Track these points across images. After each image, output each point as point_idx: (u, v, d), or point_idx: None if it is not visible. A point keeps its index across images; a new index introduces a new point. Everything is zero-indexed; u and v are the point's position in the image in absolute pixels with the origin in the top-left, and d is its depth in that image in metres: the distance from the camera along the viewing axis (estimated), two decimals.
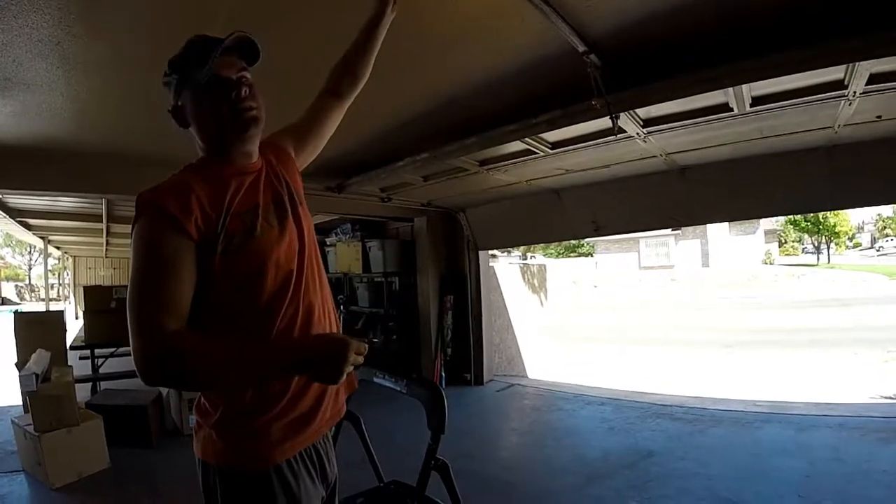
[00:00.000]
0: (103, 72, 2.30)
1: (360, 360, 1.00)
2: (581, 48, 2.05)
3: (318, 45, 1.84)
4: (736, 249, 23.94)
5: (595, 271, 13.70)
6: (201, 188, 1.05)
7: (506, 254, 18.60)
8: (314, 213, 5.58)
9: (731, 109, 2.57)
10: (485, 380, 6.10)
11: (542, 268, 9.69)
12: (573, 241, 22.30)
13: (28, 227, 7.79)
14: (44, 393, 3.60)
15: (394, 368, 5.60)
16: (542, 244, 18.26)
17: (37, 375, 3.65)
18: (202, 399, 1.14)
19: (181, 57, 1.11)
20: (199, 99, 1.10)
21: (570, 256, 26.14)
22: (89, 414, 3.85)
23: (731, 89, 2.31)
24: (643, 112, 2.76)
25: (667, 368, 8.50)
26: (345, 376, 0.98)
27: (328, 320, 1.23)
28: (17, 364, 4.65)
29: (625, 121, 2.66)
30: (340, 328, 1.36)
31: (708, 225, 19.91)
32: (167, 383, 1.02)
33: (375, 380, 1.97)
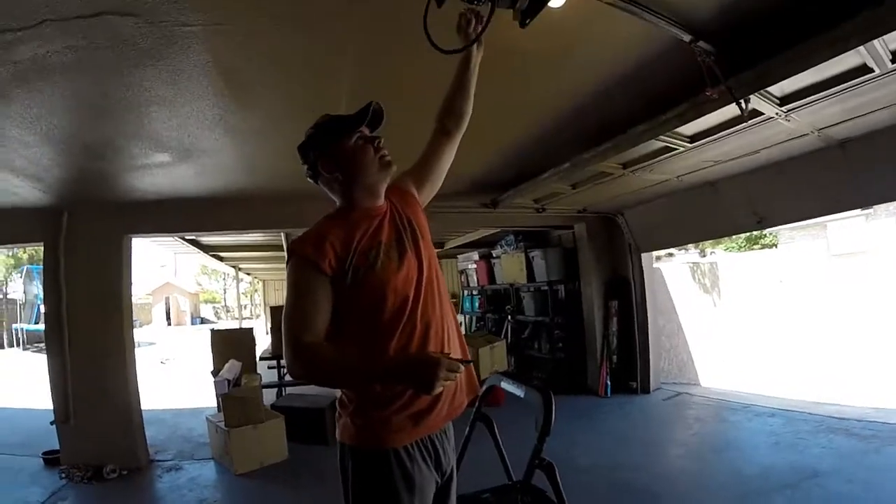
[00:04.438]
0: (259, 136, 2.92)
1: (453, 376, 1.21)
2: (687, 38, 2.02)
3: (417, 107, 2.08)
4: None
5: (779, 264, 12.07)
6: (335, 235, 1.36)
7: (683, 251, 17.46)
8: (475, 228, 6.15)
9: (872, 70, 2.28)
10: (651, 388, 5.88)
11: (714, 265, 9.06)
12: (755, 233, 19.99)
13: (220, 258, 9.29)
14: (234, 395, 4.32)
15: (559, 377, 5.65)
16: (706, 241, 16.70)
17: (229, 381, 4.40)
18: (342, 394, 1.43)
19: (324, 128, 1.44)
20: (348, 155, 1.42)
21: (752, 249, 23.52)
22: (273, 414, 4.53)
23: (862, 48, 2.04)
24: (776, 89, 2.55)
25: (856, 375, 7.33)
26: (438, 388, 1.18)
27: (446, 335, 1.45)
28: (212, 372, 5.62)
29: (758, 102, 2.49)
30: (463, 341, 1.56)
31: None
32: (303, 378, 1.30)
33: (502, 384, 2.11)
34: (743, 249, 23.08)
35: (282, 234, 6.31)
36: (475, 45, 1.51)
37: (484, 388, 2.00)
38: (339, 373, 1.30)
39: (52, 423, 4.17)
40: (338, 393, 1.46)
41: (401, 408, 1.34)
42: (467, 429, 2.08)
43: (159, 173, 3.43)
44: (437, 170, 1.67)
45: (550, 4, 1.41)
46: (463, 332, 1.59)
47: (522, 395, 1.84)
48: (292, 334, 1.28)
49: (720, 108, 2.47)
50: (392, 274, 1.36)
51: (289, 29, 1.85)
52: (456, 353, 1.43)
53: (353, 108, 1.47)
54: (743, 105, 2.38)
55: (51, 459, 4.22)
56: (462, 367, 1.23)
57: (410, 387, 1.27)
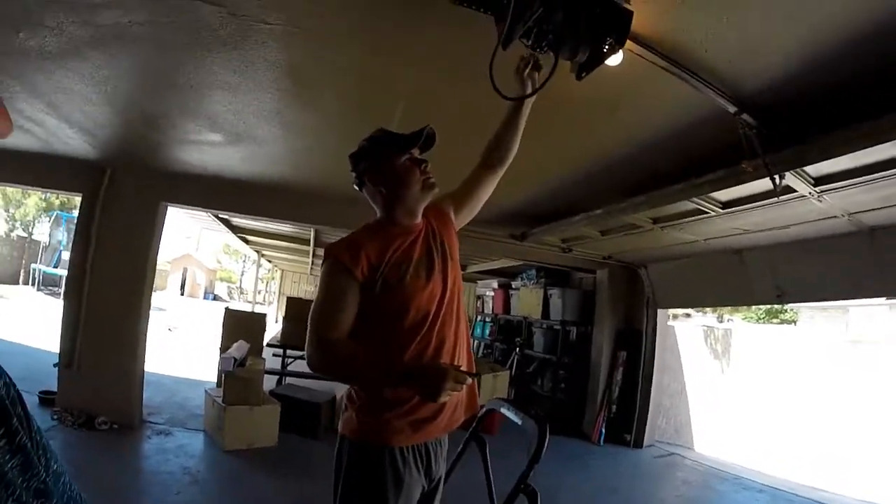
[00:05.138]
0: (313, 134, 3.05)
1: (460, 387, 1.28)
2: (731, 109, 2.09)
3: (469, 120, 2.24)
4: None
5: (793, 341, 11.82)
6: (371, 245, 1.46)
7: (700, 313, 17.23)
8: (499, 257, 6.25)
9: None
10: (645, 443, 5.84)
11: (728, 332, 9.01)
12: (775, 307, 19.61)
13: (246, 241, 9.48)
14: (237, 374, 4.41)
15: (556, 417, 5.63)
16: (723, 307, 16.46)
17: (235, 359, 4.49)
18: (352, 390, 1.51)
19: (377, 142, 1.54)
20: (395, 173, 1.52)
21: (770, 322, 23.06)
22: (270, 399, 4.62)
23: None
24: (813, 170, 2.58)
25: (854, 465, 7.16)
26: (443, 397, 1.26)
27: (457, 352, 1.55)
28: (220, 348, 5.73)
29: (793, 179, 2.52)
30: (472, 359, 1.65)
31: None
32: (320, 371, 1.40)
33: (502, 409, 2.15)
34: (761, 321, 22.66)
35: (312, 229, 6.47)
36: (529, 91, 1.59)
37: (483, 410, 2.04)
38: (354, 370, 1.39)
39: (54, 366, 4.30)
40: (337, 391, 1.55)
41: (404, 413, 1.43)
42: (461, 446, 2.13)
43: (207, 151, 3.57)
44: (475, 199, 1.77)
45: (608, 62, 1.49)
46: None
47: (520, 423, 1.87)
48: (317, 329, 1.38)
49: (755, 179, 2.50)
50: (418, 290, 1.46)
51: (358, 40, 1.98)
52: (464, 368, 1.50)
53: (403, 124, 1.59)
54: (777, 181, 2.41)
55: (47, 399, 4.34)
56: (469, 380, 1.31)
57: (417, 392, 1.34)
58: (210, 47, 2.07)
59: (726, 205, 3.32)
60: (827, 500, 4.46)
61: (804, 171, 2.56)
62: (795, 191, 2.71)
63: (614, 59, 1.55)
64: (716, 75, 1.92)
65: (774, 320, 22.59)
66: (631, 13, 1.40)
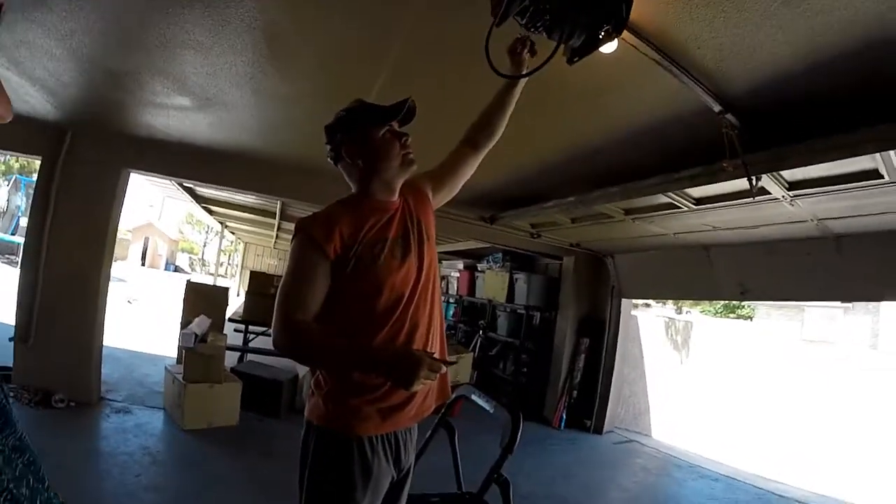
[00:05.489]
0: (285, 103, 2.91)
1: (434, 376, 1.22)
2: (716, 108, 2.10)
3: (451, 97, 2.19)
4: None
5: (750, 336, 12.21)
6: (345, 222, 1.38)
7: (661, 304, 17.65)
8: (466, 238, 6.18)
9: (882, 177, 2.37)
10: (604, 430, 5.96)
11: (689, 325, 9.14)
12: (734, 302, 20.34)
13: (210, 212, 9.20)
14: (198, 350, 4.29)
15: (517, 400, 5.70)
16: (687, 300, 16.96)
17: (196, 335, 4.36)
18: (319, 374, 1.44)
19: (356, 113, 1.46)
20: (373, 145, 1.44)
21: (728, 317, 23.95)
22: (232, 377, 4.51)
23: (878, 155, 2.14)
24: (788, 174, 2.64)
25: (806, 457, 7.51)
26: (417, 386, 1.20)
27: (430, 337, 1.49)
28: (181, 323, 5.55)
29: (768, 182, 2.57)
30: (445, 345, 1.59)
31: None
32: (287, 354, 1.32)
33: (473, 397, 2.14)
34: (719, 315, 23.46)
35: (278, 202, 6.30)
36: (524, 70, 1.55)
37: (453, 396, 2.03)
38: (323, 353, 1.32)
39: (10, 340, 4.08)
40: (299, 369, 1.48)
41: (373, 400, 1.37)
42: (429, 433, 2.11)
43: (174, 115, 3.41)
44: (456, 178, 1.70)
45: (602, 49, 1.45)
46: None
47: (491, 412, 1.87)
48: (285, 309, 1.30)
49: (732, 179, 2.53)
50: (392, 271, 1.39)
51: (341, 7, 1.88)
52: (437, 356, 1.46)
53: (382, 98, 1.51)
54: (753, 182, 2.43)
55: (2, 375, 4.10)
56: (443, 368, 1.25)
57: (390, 379, 1.27)
58: (184, 3, 1.94)
59: (699, 201, 3.37)
60: (780, 490, 4.60)
61: (780, 175, 2.61)
62: (769, 193, 2.76)
63: (609, 47, 1.52)
64: (705, 73, 1.91)
65: (731, 315, 23.46)
66: (631, 1, 1.35)
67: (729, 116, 2.13)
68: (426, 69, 2.27)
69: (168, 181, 5.65)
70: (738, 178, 2.46)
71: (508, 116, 1.67)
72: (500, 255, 7.31)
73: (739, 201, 3.10)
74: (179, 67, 2.57)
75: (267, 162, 4.32)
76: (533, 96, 1.76)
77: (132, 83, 2.94)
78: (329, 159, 1.52)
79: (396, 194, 1.50)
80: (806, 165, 2.31)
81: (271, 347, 1.35)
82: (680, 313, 18.87)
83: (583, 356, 6.15)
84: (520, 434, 1.65)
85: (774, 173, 2.51)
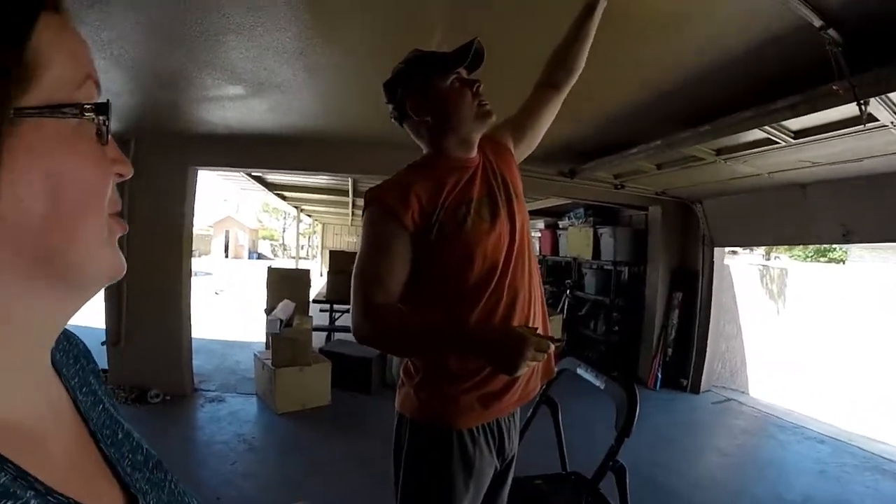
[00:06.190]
0: (341, 74, 2.73)
1: (542, 356, 1.04)
2: (817, 23, 1.78)
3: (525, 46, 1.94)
4: None
5: (844, 281, 11.14)
6: (421, 185, 1.21)
7: (748, 251, 16.62)
8: (546, 196, 5.94)
9: None
10: (701, 389, 5.62)
11: (784, 272, 8.43)
12: (824, 246, 18.72)
13: (284, 198, 9.41)
14: (285, 335, 4.35)
15: (609, 361, 5.44)
16: (783, 246, 15.74)
17: (281, 321, 4.44)
18: (409, 362, 1.31)
19: (416, 63, 1.28)
20: (442, 97, 1.25)
21: (818, 261, 22.18)
22: (320, 358, 4.56)
23: None
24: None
25: None
26: (522, 370, 1.03)
27: (532, 309, 1.31)
28: (266, 310, 5.70)
29: (876, 107, 2.20)
30: (548, 318, 1.41)
31: None
32: (368, 342, 1.18)
33: (578, 371, 1.96)
34: (809, 259, 21.62)
35: (349, 179, 6.27)
36: None
37: (556, 370, 1.86)
38: (413, 338, 1.16)
39: (102, 344, 4.29)
40: None
41: (472, 387, 1.22)
42: (531, 411, 1.95)
43: (230, 106, 3.36)
44: (537, 125, 1.50)
45: None
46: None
47: (602, 388, 1.68)
48: (363, 292, 1.17)
49: (836, 106, 2.22)
50: (483, 235, 1.22)
51: None
52: (540, 331, 1.28)
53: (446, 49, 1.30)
54: (863, 107, 2.11)
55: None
56: (551, 347, 1.06)
57: (490, 364, 1.12)
58: None
59: (798, 134, 3.00)
60: (888, 453, 4.17)
61: (888, 98, 2.22)
62: (877, 119, 2.38)
63: None
64: None
65: (822, 259, 21.54)
66: None
67: (831, 32, 1.80)
68: (488, 17, 2.01)
69: (236, 173, 5.75)
70: (844, 103, 2.14)
71: (588, 48, 1.45)
72: (581, 210, 6.98)
73: (843, 131, 2.73)
74: (224, 55, 2.47)
75: (332, 140, 4.21)
76: (612, 28, 1.50)
77: (181, 81, 2.90)
78: (393, 120, 1.35)
79: (475, 150, 1.32)
80: None
81: None
82: (769, 259, 17.59)
83: (676, 311, 5.79)
84: (637, 413, 1.45)
85: (884, 97, 2.15)
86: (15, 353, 0.35)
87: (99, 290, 0.41)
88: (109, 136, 0.39)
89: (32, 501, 0.30)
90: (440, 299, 1.23)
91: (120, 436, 0.46)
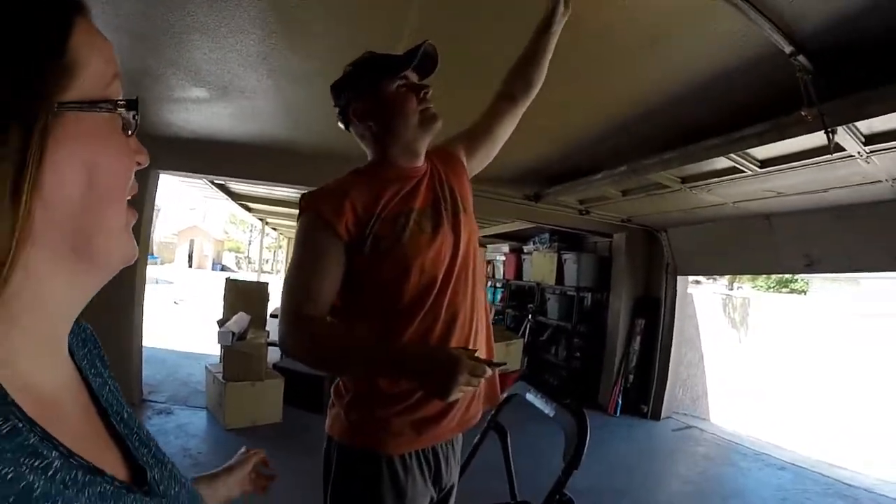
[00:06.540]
0: (304, 80, 2.67)
1: (476, 382, 0.98)
2: (787, 49, 1.80)
3: (486, 55, 1.91)
4: None
5: (806, 311, 11.50)
6: (358, 193, 1.15)
7: (711, 280, 17.05)
8: (511, 219, 5.87)
9: None
10: (662, 415, 5.63)
11: (746, 301, 8.63)
12: (786, 276, 19.33)
13: (248, 209, 9.19)
14: (237, 348, 4.21)
15: (570, 386, 5.39)
16: (747, 275, 16.15)
17: (234, 333, 4.29)
18: (340, 381, 1.23)
19: (364, 66, 1.22)
20: (385, 102, 1.19)
21: (780, 291, 22.90)
22: (273, 374, 4.42)
23: None
24: (865, 126, 2.29)
25: (871, 440, 7.01)
26: (455, 395, 0.96)
27: (473, 330, 1.23)
28: (219, 321, 5.52)
29: (843, 136, 2.23)
30: (492, 339, 1.34)
31: None
32: (294, 356, 1.10)
33: (528, 396, 1.89)
34: (772, 290, 22.31)
35: None
36: (562, 3, 1.32)
37: (504, 396, 1.80)
38: (341, 356, 1.09)
39: None
40: None
41: (405, 410, 1.14)
42: (477, 438, 1.88)
43: (194, 109, 3.28)
44: (493, 138, 1.45)
45: None
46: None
47: (552, 415, 1.62)
48: (291, 304, 1.10)
49: (803, 134, 2.23)
50: (421, 248, 1.15)
51: None
52: (482, 354, 1.22)
53: None
54: (830, 136, 2.13)
55: None
56: (489, 371, 0.99)
57: (421, 386, 1.05)
58: None
59: (764, 163, 3.04)
60: (847, 479, 4.24)
61: (856, 128, 2.27)
62: (844, 149, 2.41)
63: None
64: (775, 11, 1.62)
65: (784, 290, 22.27)
66: None
67: (801, 59, 1.82)
68: (454, 31, 1.99)
69: (199, 179, 5.60)
70: (812, 131, 2.16)
71: (547, 62, 1.42)
72: (546, 235, 7.00)
73: (810, 161, 2.75)
74: (189, 54, 2.41)
75: (298, 151, 4.14)
76: (576, 50, 1.51)
77: (146, 78, 2.80)
78: (339, 124, 1.31)
79: (421, 158, 1.26)
80: (891, 112, 1.95)
81: None
82: (731, 289, 18.07)
83: (638, 338, 5.82)
84: (587, 442, 1.40)
85: (850, 126, 2.18)
86: (45, 328, 0.39)
87: (114, 274, 0.45)
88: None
89: (56, 462, 0.34)
90: (376, 312, 1.16)
91: (125, 415, 0.50)
